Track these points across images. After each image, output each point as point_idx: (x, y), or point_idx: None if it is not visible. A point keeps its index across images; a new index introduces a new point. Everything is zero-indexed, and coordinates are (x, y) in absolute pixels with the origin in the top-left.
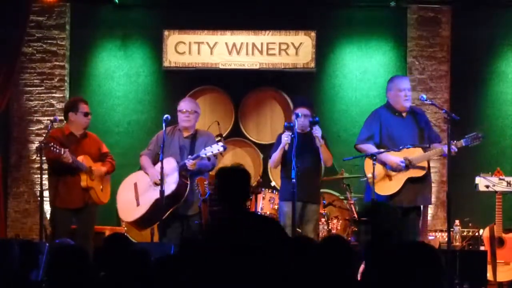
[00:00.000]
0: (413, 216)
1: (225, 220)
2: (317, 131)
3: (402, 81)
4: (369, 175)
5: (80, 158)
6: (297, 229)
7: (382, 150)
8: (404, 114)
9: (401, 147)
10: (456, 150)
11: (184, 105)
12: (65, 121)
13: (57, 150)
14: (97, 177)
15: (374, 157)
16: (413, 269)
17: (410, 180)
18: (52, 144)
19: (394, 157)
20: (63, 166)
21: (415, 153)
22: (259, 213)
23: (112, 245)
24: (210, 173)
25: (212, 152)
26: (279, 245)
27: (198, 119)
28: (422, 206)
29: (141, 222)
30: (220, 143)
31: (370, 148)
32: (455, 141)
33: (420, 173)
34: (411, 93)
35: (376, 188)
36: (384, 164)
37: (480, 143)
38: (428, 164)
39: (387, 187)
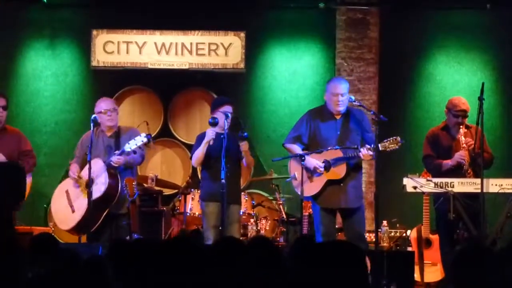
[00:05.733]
0: (356, 217)
1: None
2: (245, 147)
3: (337, 86)
4: (293, 175)
5: None
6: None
7: (307, 152)
8: (337, 117)
9: (322, 150)
10: (371, 154)
11: (104, 105)
12: None
13: None
14: None
15: (303, 158)
16: (337, 269)
17: (331, 182)
18: None
19: (313, 160)
20: None
21: (335, 155)
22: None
23: (39, 245)
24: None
25: (136, 144)
26: None
27: (118, 115)
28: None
29: (79, 228)
30: (144, 133)
31: (295, 148)
32: (370, 146)
33: (338, 175)
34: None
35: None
36: (306, 166)
37: (399, 148)
38: (359, 167)
39: (309, 188)
